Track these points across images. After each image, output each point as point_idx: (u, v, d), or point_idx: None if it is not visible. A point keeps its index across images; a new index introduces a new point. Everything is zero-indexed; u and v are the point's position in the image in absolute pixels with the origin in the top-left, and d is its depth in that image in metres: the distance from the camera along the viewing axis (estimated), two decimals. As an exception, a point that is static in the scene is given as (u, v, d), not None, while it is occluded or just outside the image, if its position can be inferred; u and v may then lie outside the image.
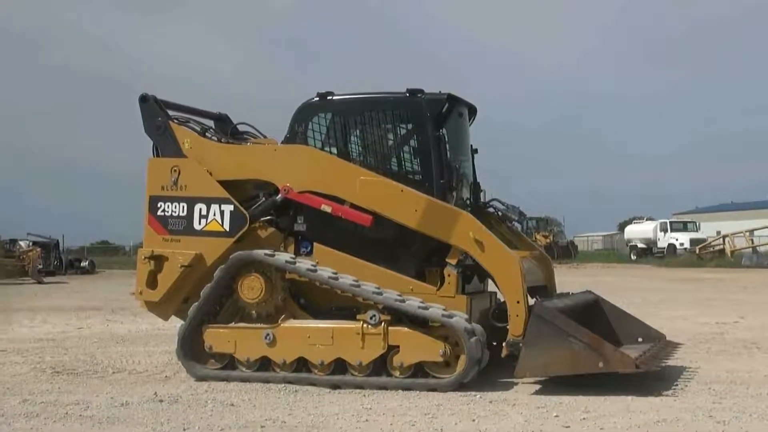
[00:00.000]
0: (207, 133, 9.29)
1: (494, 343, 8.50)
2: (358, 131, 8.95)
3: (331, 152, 8.82)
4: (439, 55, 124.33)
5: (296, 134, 8.83)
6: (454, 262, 8.27)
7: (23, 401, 7.54)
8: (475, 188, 9.51)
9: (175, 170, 8.89)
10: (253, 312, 8.53)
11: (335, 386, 8.06)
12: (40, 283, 31.58)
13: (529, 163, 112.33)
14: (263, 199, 8.88)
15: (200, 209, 8.80)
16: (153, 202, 8.96)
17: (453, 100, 8.82)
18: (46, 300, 22.06)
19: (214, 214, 8.76)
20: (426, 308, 7.94)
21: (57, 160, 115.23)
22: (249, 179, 8.99)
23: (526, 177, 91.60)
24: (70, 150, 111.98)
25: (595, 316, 9.18)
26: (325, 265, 8.42)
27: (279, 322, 8.41)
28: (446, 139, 8.66)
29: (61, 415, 6.96)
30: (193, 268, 8.75)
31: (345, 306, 8.35)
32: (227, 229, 8.70)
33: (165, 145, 9.05)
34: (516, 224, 9.92)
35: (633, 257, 51.20)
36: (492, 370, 8.25)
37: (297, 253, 8.67)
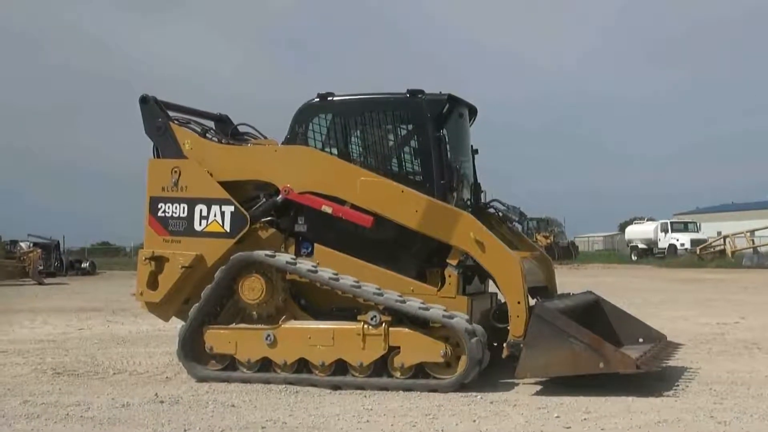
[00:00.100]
0: (207, 134, 9.30)
1: (495, 344, 8.49)
2: (358, 132, 8.95)
3: (331, 153, 8.82)
4: (439, 55, 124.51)
5: (297, 135, 8.84)
6: (454, 262, 8.27)
7: (24, 402, 7.54)
8: (476, 189, 9.51)
9: (175, 171, 8.90)
10: (254, 313, 8.54)
11: (336, 387, 8.06)
12: (40, 284, 31.56)
13: (529, 164, 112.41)
14: (264, 200, 8.88)
15: (201, 210, 8.81)
16: (153, 203, 8.96)
17: (453, 101, 8.82)
18: (47, 301, 22.06)
19: (215, 215, 8.76)
20: (427, 309, 7.94)
21: (57, 161, 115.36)
22: (249, 180, 8.99)
23: (526, 177, 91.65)
24: (70, 150, 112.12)
25: (595, 317, 9.18)
26: (326, 266, 8.42)
27: (280, 323, 8.41)
28: (447, 139, 8.66)
29: (62, 416, 6.96)
30: (194, 269, 8.75)
31: (346, 307, 8.35)
32: (228, 230, 8.71)
33: (165, 146, 9.05)
34: (516, 225, 9.92)
35: (634, 258, 51.20)
36: (493, 371, 8.25)
37: (298, 254, 8.67)
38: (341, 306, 8.40)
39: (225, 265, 8.52)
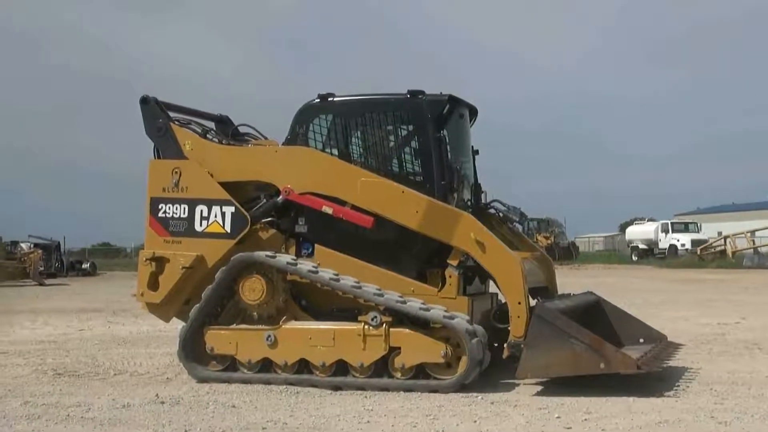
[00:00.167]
0: (208, 135, 9.30)
1: (495, 345, 8.49)
2: (359, 133, 8.95)
3: (332, 154, 8.83)
4: (439, 56, 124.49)
5: (297, 136, 8.84)
6: (455, 263, 8.27)
7: (25, 403, 7.54)
8: (476, 189, 9.51)
9: (176, 172, 8.90)
10: (255, 313, 8.54)
11: (337, 388, 8.06)
12: (41, 285, 31.56)
13: (529, 164, 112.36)
14: (264, 200, 8.89)
15: (201, 211, 8.81)
16: (154, 203, 8.96)
17: (454, 102, 8.82)
18: (48, 302, 22.07)
19: (216, 216, 8.77)
20: (427, 309, 7.94)
21: (57, 161, 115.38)
22: (250, 181, 9.00)
23: (526, 178, 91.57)
24: (70, 150, 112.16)
25: (596, 317, 9.18)
26: (327, 267, 8.42)
27: (280, 323, 8.41)
28: (447, 140, 8.66)
29: (63, 417, 6.96)
30: (195, 270, 8.76)
31: (346, 307, 8.35)
32: (228, 231, 8.71)
33: (166, 146, 9.06)
34: (517, 225, 9.91)
35: (634, 258, 51.19)
36: (493, 372, 8.24)
37: (298, 254, 8.68)
38: (342, 307, 8.40)
39: (226, 266, 8.52)
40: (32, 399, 7.73)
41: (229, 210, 8.73)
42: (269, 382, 8.26)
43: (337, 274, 8.30)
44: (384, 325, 8.00)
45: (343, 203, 8.51)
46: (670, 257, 47.41)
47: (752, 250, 43.25)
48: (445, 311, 7.93)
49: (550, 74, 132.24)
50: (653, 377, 7.94)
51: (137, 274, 9.09)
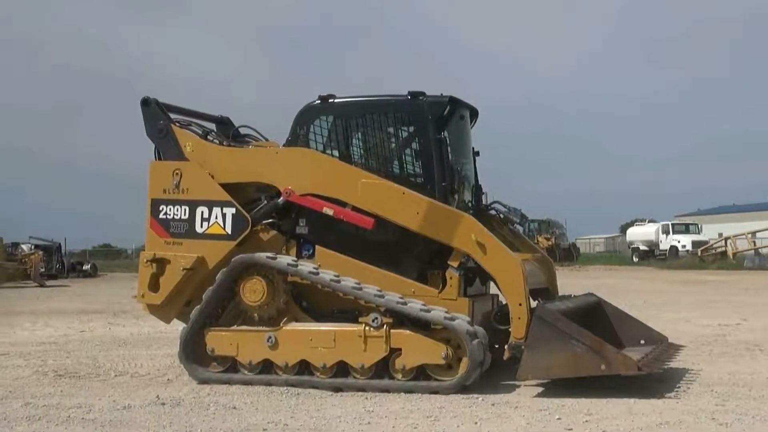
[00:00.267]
0: (209, 137, 9.31)
1: (496, 346, 8.48)
2: (359, 134, 8.95)
3: (332, 155, 8.82)
4: (440, 57, 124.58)
5: (298, 137, 8.85)
6: (456, 264, 8.27)
7: (25, 404, 7.54)
8: (477, 191, 9.51)
9: (176, 173, 8.91)
10: (255, 315, 8.54)
11: (337, 389, 8.06)
12: (42, 286, 31.58)
13: (530, 165, 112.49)
14: (265, 202, 8.89)
15: (202, 212, 8.81)
16: (155, 205, 8.97)
17: (454, 103, 8.82)
18: (48, 303, 22.07)
19: (216, 217, 8.77)
20: (428, 311, 7.94)
21: (58, 162, 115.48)
22: (251, 182, 9.00)
23: (527, 179, 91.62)
24: (70, 151, 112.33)
25: (597, 319, 9.17)
26: (327, 268, 8.42)
27: (281, 324, 8.41)
28: (448, 141, 8.66)
29: (64, 419, 6.96)
30: (195, 271, 8.76)
31: (347, 309, 8.35)
32: (229, 232, 8.71)
33: (167, 148, 9.06)
34: (518, 227, 9.91)
35: (635, 259, 51.17)
36: (494, 373, 8.24)
37: (299, 255, 8.68)
38: (342, 308, 8.40)
39: (226, 267, 8.52)
40: (33, 400, 7.73)
41: (229, 211, 8.73)
42: (270, 383, 8.26)
43: (337, 276, 8.30)
44: (385, 326, 8.00)
45: (343, 204, 8.51)
46: (671, 258, 47.38)
47: (753, 251, 43.25)
48: (446, 312, 7.93)
49: (550, 75, 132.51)
50: (654, 378, 7.94)
51: (138, 275, 9.10)
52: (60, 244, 41.82)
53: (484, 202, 9.59)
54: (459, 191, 8.78)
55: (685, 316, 15.33)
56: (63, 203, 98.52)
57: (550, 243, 44.61)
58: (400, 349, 8.00)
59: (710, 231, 52.99)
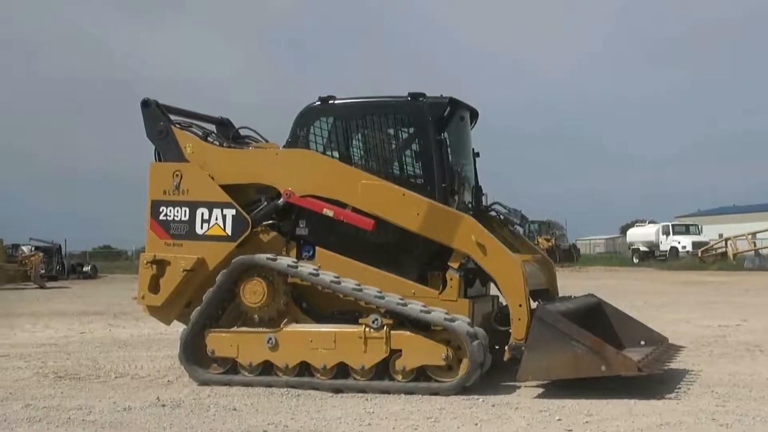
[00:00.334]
0: (209, 138, 9.31)
1: (496, 347, 8.48)
2: (359, 135, 8.96)
3: (333, 156, 8.83)
4: (440, 58, 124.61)
5: (298, 138, 8.85)
6: (456, 265, 8.27)
7: (26, 406, 7.54)
8: (477, 192, 9.51)
9: (177, 175, 8.91)
10: (256, 316, 8.53)
11: (338, 390, 8.06)
12: (42, 288, 31.59)
13: (530, 166, 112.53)
14: (265, 203, 8.89)
15: (202, 213, 8.81)
16: (155, 206, 8.97)
17: (454, 104, 8.82)
18: (49, 305, 22.07)
19: (216, 219, 8.77)
20: (428, 312, 7.94)
21: (58, 163, 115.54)
22: (251, 183, 9.00)
23: (527, 180, 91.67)
24: (70, 153, 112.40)
25: (597, 320, 9.17)
26: (327, 269, 8.42)
27: (281, 326, 8.41)
28: (448, 142, 8.67)
29: (64, 420, 6.96)
30: (196, 273, 8.76)
31: (347, 310, 8.35)
32: (229, 234, 8.71)
33: (167, 149, 9.06)
34: (518, 228, 9.92)
35: (635, 260, 51.16)
36: (494, 374, 8.24)
37: (299, 257, 8.68)
38: (343, 309, 8.40)
39: (226, 269, 8.52)
40: (33, 402, 7.73)
41: (230, 213, 8.73)
42: (270, 384, 8.26)
43: (337, 277, 8.30)
44: (385, 327, 8.00)
45: (344, 206, 8.51)
46: (671, 259, 47.38)
47: (753, 252, 43.23)
48: (446, 314, 7.92)
49: (550, 76, 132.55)
50: (654, 379, 7.94)
51: (138, 276, 9.09)
52: (60, 245, 41.87)
53: (484, 203, 9.59)
54: (459, 192, 8.78)
55: (685, 317, 15.33)
56: (63, 204, 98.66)
57: (550, 244, 44.65)
58: (401, 351, 8.00)
59: (710, 232, 52.98)
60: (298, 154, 8.77)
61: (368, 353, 8.04)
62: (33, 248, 37.47)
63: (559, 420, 6.74)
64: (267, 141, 9.58)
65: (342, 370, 8.16)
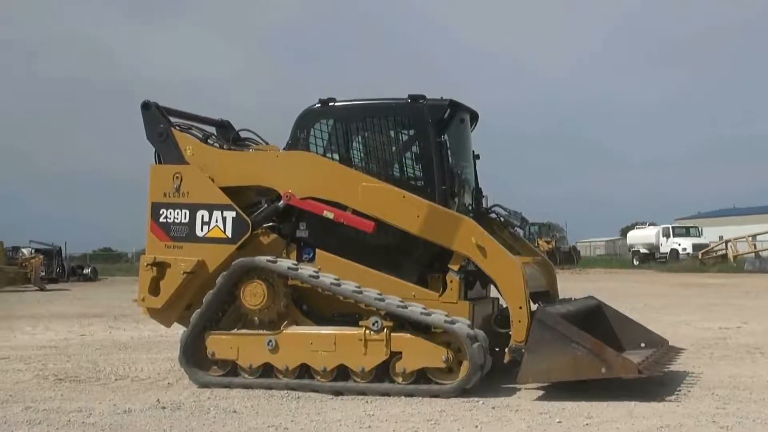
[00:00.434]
0: (209, 140, 9.31)
1: (497, 349, 8.48)
2: (359, 137, 8.96)
3: (333, 158, 8.83)
4: (440, 59, 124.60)
5: (298, 140, 8.85)
6: (456, 268, 8.27)
7: (26, 408, 7.54)
8: (477, 194, 9.51)
9: (177, 177, 8.91)
10: (256, 318, 8.53)
11: (338, 393, 8.05)
12: (42, 290, 31.59)
13: (530, 169, 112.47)
14: (265, 205, 8.89)
15: (202, 216, 8.81)
16: (155, 208, 8.97)
17: (455, 106, 8.82)
18: (49, 307, 22.06)
19: (217, 221, 8.77)
20: (428, 314, 7.93)
21: (58, 166, 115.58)
22: (251, 186, 9.00)
23: (527, 182, 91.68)
24: (71, 155, 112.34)
25: (597, 322, 9.17)
26: (328, 272, 8.42)
27: (281, 328, 8.41)
28: (448, 144, 8.67)
29: (64, 423, 6.96)
30: (196, 275, 8.76)
31: (347, 312, 8.35)
32: (229, 236, 8.71)
33: (167, 152, 9.06)
34: (518, 230, 9.92)
35: (635, 263, 51.22)
36: (494, 376, 8.24)
37: (299, 259, 8.68)
38: (343, 311, 8.40)
39: (227, 271, 8.52)
40: (33, 404, 7.73)
41: (230, 215, 8.73)
42: (270, 387, 8.26)
43: (338, 279, 8.30)
44: (385, 329, 8.00)
45: (344, 208, 8.51)
46: (672, 261, 47.43)
47: (753, 254, 43.28)
48: (446, 316, 7.92)
49: (550, 78, 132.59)
50: (654, 382, 7.93)
51: (138, 279, 9.09)
52: (60, 248, 41.90)
53: (484, 206, 9.59)
54: (459, 194, 8.78)
55: (685, 319, 15.34)
56: (63, 207, 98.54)
57: (550, 246, 44.72)
58: (401, 353, 8.00)
59: (711, 234, 52.99)
60: (299, 157, 8.78)
61: (368, 355, 8.04)
62: (33, 250, 37.44)
63: (559, 422, 6.73)
64: (267, 143, 9.58)
65: (342, 373, 8.15)
